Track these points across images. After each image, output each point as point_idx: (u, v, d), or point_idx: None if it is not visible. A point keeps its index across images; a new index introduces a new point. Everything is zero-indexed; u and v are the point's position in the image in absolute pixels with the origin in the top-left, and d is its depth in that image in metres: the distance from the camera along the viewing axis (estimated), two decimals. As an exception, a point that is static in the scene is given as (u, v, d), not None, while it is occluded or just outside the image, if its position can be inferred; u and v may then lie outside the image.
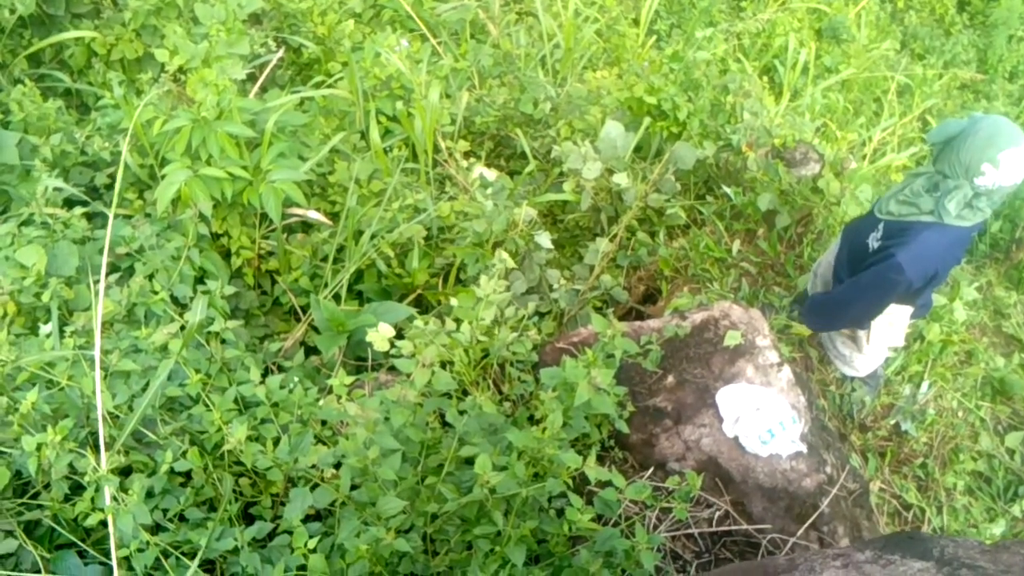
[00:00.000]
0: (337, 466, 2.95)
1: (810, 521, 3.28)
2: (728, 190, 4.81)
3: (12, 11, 4.72)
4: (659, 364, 3.59)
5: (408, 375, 3.01)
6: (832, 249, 4.08)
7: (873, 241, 3.56)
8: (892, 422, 4.24)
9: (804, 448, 3.43)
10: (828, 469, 3.46)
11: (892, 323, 3.71)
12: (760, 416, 3.42)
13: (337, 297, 4.33)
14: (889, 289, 3.44)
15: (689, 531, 3.21)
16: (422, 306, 4.60)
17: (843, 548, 2.00)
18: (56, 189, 3.95)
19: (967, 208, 3.26)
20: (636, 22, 7.50)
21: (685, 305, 4.06)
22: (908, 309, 3.67)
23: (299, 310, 4.44)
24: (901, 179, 5.83)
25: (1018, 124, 3.24)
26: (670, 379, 3.60)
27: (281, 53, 5.15)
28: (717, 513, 3.30)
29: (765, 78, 6.83)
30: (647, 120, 5.07)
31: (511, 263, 3.64)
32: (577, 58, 6.44)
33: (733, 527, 3.26)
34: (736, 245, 4.70)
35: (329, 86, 5.21)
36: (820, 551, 2.39)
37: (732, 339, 3.60)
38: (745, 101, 5.06)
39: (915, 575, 1.74)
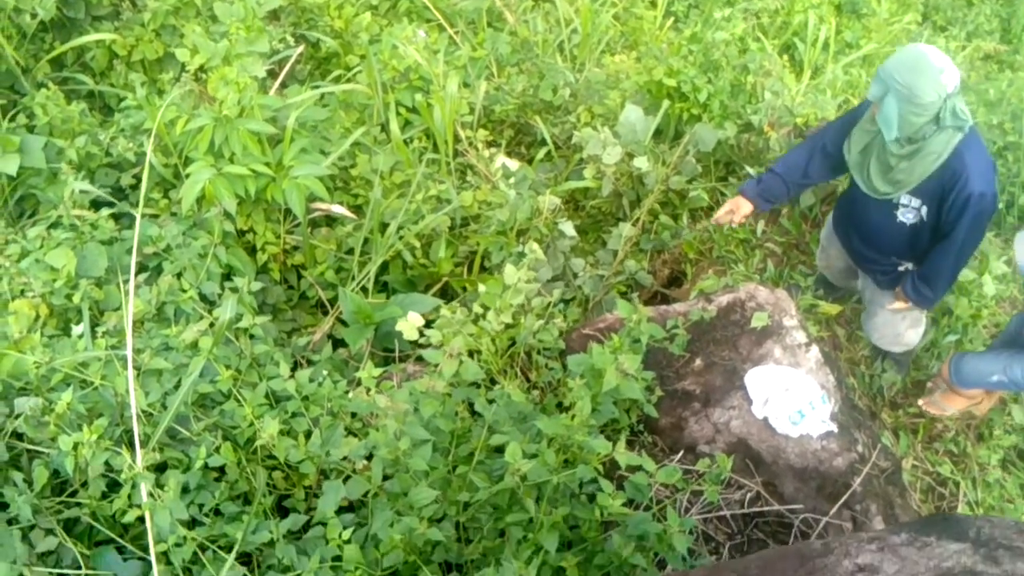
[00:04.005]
0: (368, 458, 2.98)
1: (842, 500, 3.27)
2: (750, 171, 4.78)
3: (33, 16, 4.75)
4: (686, 347, 3.59)
5: (436, 366, 3.03)
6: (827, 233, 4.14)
7: (908, 215, 3.53)
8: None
9: (835, 427, 3.42)
10: (859, 448, 3.44)
11: None
12: (789, 397, 3.41)
13: (364, 290, 4.35)
14: (986, 220, 3.44)
15: (721, 513, 3.21)
16: (447, 296, 4.61)
17: (878, 531, 2.00)
18: (83, 191, 3.99)
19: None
20: (653, 4, 7.46)
21: (711, 287, 4.05)
22: None
23: (326, 303, 4.47)
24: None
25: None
26: (698, 362, 3.59)
27: (300, 49, 5.16)
28: (748, 495, 3.29)
29: (785, 56, 6.75)
30: (666, 103, 5.04)
31: (541, 255, 3.64)
32: (595, 43, 6.42)
33: (765, 508, 3.25)
34: (760, 226, 4.68)
35: (348, 80, 5.22)
36: (855, 535, 2.38)
37: (759, 320, 3.59)
38: (766, 80, 5.03)
39: (951, 556, 1.74)
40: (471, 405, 3.25)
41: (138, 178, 4.23)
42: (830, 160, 3.79)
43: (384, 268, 4.57)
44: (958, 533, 1.87)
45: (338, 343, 4.26)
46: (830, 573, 1.79)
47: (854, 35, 8.18)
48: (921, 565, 1.76)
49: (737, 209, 4.03)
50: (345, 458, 2.90)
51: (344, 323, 4.21)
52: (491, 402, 3.00)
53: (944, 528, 1.92)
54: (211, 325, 3.24)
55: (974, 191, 3.32)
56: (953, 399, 4.07)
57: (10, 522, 2.83)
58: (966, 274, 4.26)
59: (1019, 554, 1.73)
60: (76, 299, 3.49)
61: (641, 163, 4.73)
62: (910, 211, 3.52)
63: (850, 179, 3.76)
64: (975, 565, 1.72)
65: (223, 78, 3.96)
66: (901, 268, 3.77)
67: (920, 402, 4.18)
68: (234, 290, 3.51)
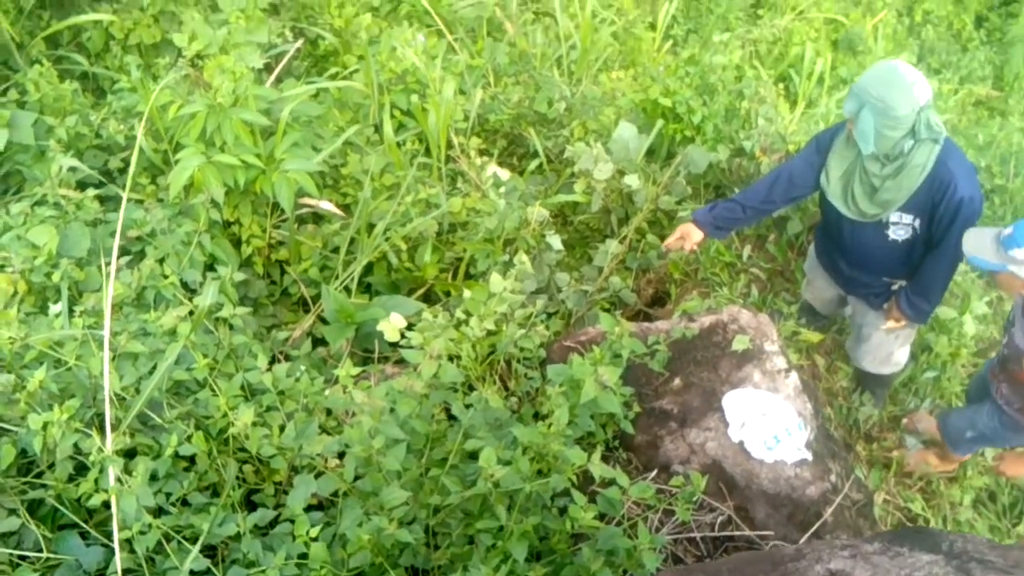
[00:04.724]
0: (341, 456, 2.96)
1: (813, 529, 3.26)
2: (739, 195, 4.79)
3: (32, -9, 4.74)
4: (666, 366, 3.58)
5: (415, 366, 3.00)
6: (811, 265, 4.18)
7: (899, 232, 3.55)
8: (898, 436, 4.23)
9: (809, 456, 3.41)
10: (833, 478, 3.44)
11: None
12: (766, 421, 3.41)
13: (347, 290, 4.33)
14: (975, 223, 3.45)
15: (691, 535, 3.20)
16: (430, 302, 4.60)
17: (851, 540, 2.00)
18: (71, 169, 3.95)
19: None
20: (653, 26, 7.49)
21: (694, 308, 4.05)
22: None
23: (308, 301, 4.45)
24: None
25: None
26: (677, 381, 3.59)
27: (299, 44, 5.15)
28: (720, 518, 3.28)
29: (780, 86, 6.81)
30: (660, 123, 5.06)
31: (529, 266, 3.63)
32: (593, 60, 6.45)
33: (735, 532, 3.24)
34: (747, 250, 4.70)
35: (344, 78, 5.21)
36: (827, 542, 2.38)
37: (740, 343, 3.59)
38: (760, 107, 5.05)
39: (924, 567, 1.74)
40: (448, 410, 3.24)
41: (126, 162, 4.21)
42: (795, 188, 3.82)
43: (369, 269, 4.56)
44: (931, 545, 1.88)
45: (318, 342, 4.23)
46: (802, 578, 1.79)
47: (849, 71, 8.24)
48: (893, 573, 1.76)
49: (687, 236, 4.03)
50: (317, 455, 2.87)
51: (325, 322, 4.19)
52: (468, 407, 2.98)
53: (917, 540, 1.92)
54: (190, 313, 3.21)
55: (964, 196, 3.35)
56: (943, 464, 4.08)
57: (-28, 499, 2.79)
58: (947, 312, 4.29)
59: (991, 567, 1.74)
60: (56, 278, 3.45)
61: (632, 181, 4.73)
62: (901, 228, 3.53)
63: (826, 209, 3.78)
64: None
65: (220, 66, 3.95)
66: (894, 287, 3.79)
67: (909, 462, 4.17)
68: (217, 278, 3.48)
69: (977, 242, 3.25)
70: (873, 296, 3.88)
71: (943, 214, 3.40)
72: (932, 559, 1.77)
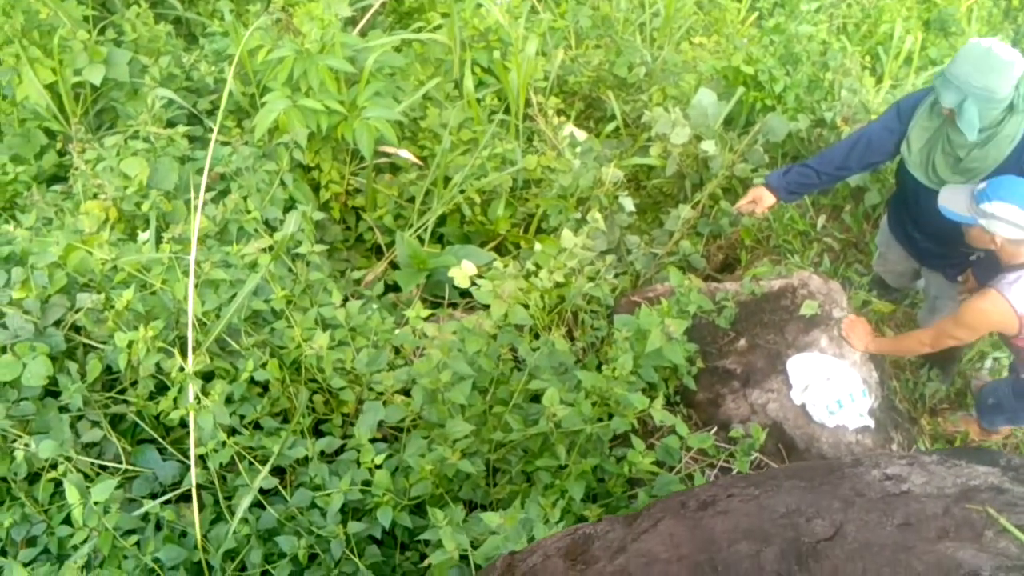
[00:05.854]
0: (406, 394, 3.04)
1: (871, 495, 3.26)
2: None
3: (130, -63, 4.88)
4: (732, 327, 3.60)
5: (486, 307, 3.06)
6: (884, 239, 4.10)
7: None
8: (961, 414, 4.17)
9: (871, 423, 3.40)
10: (894, 447, 3.42)
11: None
12: (830, 386, 3.40)
13: (420, 239, 4.41)
14: None
15: (748, 491, 3.21)
16: (502, 254, 4.66)
17: (909, 452, 2.03)
18: (163, 106, 4.09)
19: None
20: (739, -4, 7.40)
21: (764, 274, 4.04)
22: None
23: (383, 247, 4.54)
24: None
25: None
26: (742, 342, 3.60)
27: (384, -2, 5.23)
28: (777, 478, 3.29)
29: (867, 59, 6.67)
30: (741, 90, 5.02)
31: (602, 224, 3.66)
32: (676, 27, 6.40)
33: (792, 493, 3.26)
34: (821, 220, 4.65)
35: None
36: (885, 452, 2.38)
37: (809, 308, 3.58)
38: (844, 79, 4.98)
39: (979, 476, 1.77)
40: (514, 355, 3.30)
41: (215, 104, 4.34)
42: (872, 154, 3.71)
43: (442, 220, 4.63)
44: (988, 460, 1.92)
45: (389, 288, 4.33)
46: (859, 480, 1.83)
47: (939, 52, 8.01)
48: (949, 480, 1.79)
49: (759, 200, 3.97)
50: (384, 390, 2.96)
51: (397, 268, 4.28)
52: (535, 349, 3.04)
53: (974, 456, 1.97)
54: (270, 248, 3.32)
55: None
56: (980, 433, 4.03)
57: (61, 409, 2.95)
58: None
59: (1047, 479, 1.77)
60: (145, 207, 3.59)
61: (709, 146, 4.72)
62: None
63: (903, 179, 3.71)
64: (1002, 484, 1.76)
65: (309, 13, 4.04)
66: (973, 257, 3.71)
67: (951, 422, 4.12)
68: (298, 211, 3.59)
69: (953, 196, 3.19)
70: (949, 267, 3.81)
71: None
72: (988, 470, 1.81)
